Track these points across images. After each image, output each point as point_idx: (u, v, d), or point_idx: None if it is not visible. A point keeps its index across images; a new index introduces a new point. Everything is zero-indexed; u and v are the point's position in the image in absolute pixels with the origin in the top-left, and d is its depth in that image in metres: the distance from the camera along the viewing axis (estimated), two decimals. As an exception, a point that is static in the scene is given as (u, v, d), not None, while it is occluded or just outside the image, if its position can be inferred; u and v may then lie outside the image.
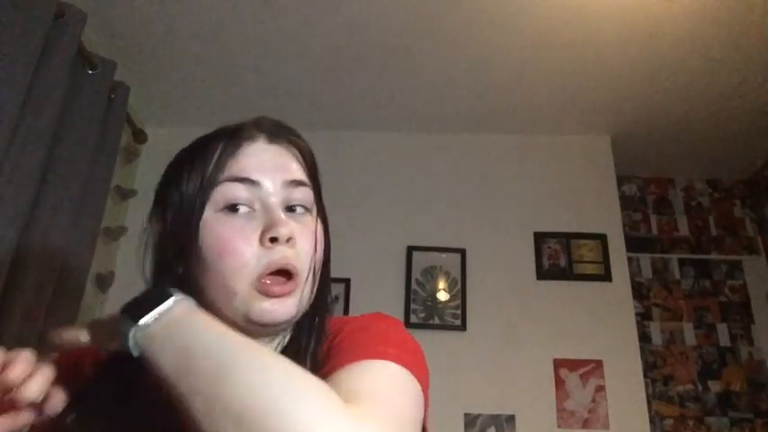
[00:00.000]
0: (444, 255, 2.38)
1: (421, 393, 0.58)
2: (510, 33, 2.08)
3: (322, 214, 0.70)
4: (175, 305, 0.54)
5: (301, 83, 2.36)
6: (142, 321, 0.52)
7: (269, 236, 0.61)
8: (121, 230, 2.32)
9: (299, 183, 0.66)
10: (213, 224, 0.63)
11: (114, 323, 0.54)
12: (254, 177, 0.64)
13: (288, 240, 0.62)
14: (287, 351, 0.67)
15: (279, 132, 0.69)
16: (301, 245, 0.64)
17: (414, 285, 2.34)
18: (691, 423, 2.47)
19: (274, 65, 2.27)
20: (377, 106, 2.49)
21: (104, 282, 2.19)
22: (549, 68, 2.24)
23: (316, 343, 0.66)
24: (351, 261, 2.33)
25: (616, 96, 2.37)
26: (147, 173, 2.48)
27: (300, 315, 0.65)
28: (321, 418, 0.44)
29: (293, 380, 0.47)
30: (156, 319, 0.52)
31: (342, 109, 2.51)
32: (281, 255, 0.62)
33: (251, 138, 0.67)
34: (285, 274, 0.62)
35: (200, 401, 0.46)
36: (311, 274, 0.64)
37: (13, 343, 1.52)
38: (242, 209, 0.63)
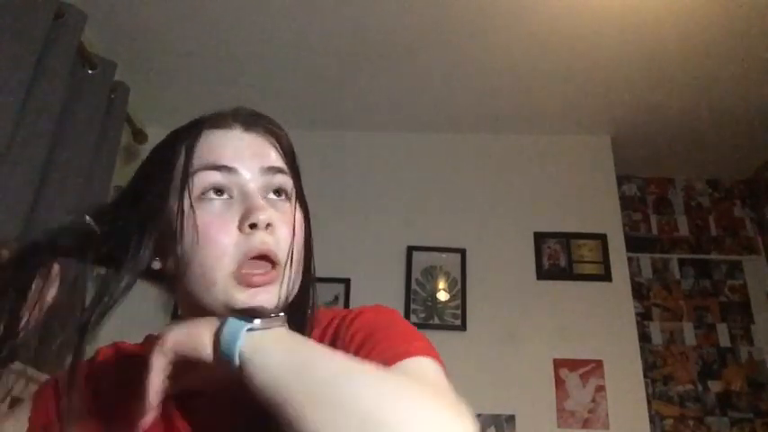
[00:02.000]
0: (444, 255, 2.38)
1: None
2: (510, 34, 2.08)
3: (302, 202, 0.68)
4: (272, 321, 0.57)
5: (301, 83, 2.36)
6: (255, 324, 0.55)
7: (248, 222, 0.60)
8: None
9: (277, 170, 0.65)
10: (190, 213, 0.61)
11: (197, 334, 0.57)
12: (230, 164, 0.63)
13: (267, 227, 0.61)
14: None
15: (256, 121, 0.68)
16: (281, 232, 0.62)
17: (414, 285, 2.34)
18: (691, 423, 2.47)
19: (274, 65, 2.27)
20: (377, 106, 2.49)
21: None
22: (549, 69, 2.24)
23: (302, 334, 0.64)
24: (351, 261, 2.33)
25: (616, 96, 2.37)
26: (147, 173, 2.48)
27: (284, 305, 0.63)
28: (438, 410, 0.48)
29: (400, 380, 0.52)
30: (265, 327, 0.55)
31: (342, 109, 2.51)
32: (260, 240, 0.60)
33: (227, 126, 0.66)
34: (265, 260, 0.61)
35: (315, 408, 0.48)
36: (291, 262, 0.62)
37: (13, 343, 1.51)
38: (219, 196, 0.62)
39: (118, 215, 0.65)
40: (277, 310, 0.61)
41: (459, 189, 2.51)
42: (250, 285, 0.59)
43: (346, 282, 2.31)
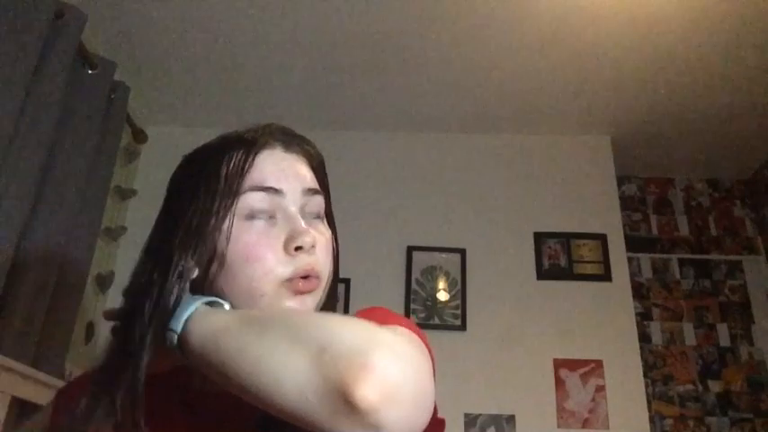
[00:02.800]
0: (444, 255, 2.38)
1: (428, 353, 0.62)
2: (510, 34, 2.08)
3: (332, 222, 0.73)
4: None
5: (301, 83, 2.36)
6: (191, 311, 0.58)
7: (294, 245, 0.63)
8: (121, 230, 2.32)
9: (315, 191, 0.69)
10: (237, 232, 0.64)
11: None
12: (276, 186, 0.66)
13: (311, 248, 0.64)
14: None
15: (293, 141, 0.71)
16: (320, 252, 0.66)
17: (414, 285, 2.34)
18: (691, 423, 2.47)
19: (274, 65, 2.27)
20: (377, 106, 2.49)
21: (104, 282, 2.19)
22: (549, 69, 2.24)
23: None
24: (351, 261, 2.31)
25: (616, 96, 2.38)
26: (147, 173, 2.48)
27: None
28: (370, 334, 0.49)
29: (343, 318, 0.54)
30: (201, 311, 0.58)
31: (342, 109, 2.51)
32: (305, 262, 0.64)
33: (268, 145, 0.69)
34: (308, 278, 0.65)
35: (257, 340, 0.51)
36: (327, 279, 0.68)
37: (14, 343, 1.51)
38: (263, 216, 0.65)
39: (162, 237, 0.67)
40: None
41: (459, 189, 2.51)
42: (298, 292, 0.64)
43: (346, 282, 2.31)
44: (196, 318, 0.57)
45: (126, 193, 2.38)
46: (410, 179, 2.52)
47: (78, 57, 1.87)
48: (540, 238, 2.41)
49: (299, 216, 0.66)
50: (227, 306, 0.60)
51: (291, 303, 0.64)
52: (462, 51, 2.17)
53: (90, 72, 1.95)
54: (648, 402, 2.21)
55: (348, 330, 0.49)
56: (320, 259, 0.66)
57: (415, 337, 0.59)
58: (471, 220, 2.44)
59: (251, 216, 0.65)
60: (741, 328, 2.62)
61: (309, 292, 0.65)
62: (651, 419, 2.17)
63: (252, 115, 2.54)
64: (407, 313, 2.28)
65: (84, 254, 1.89)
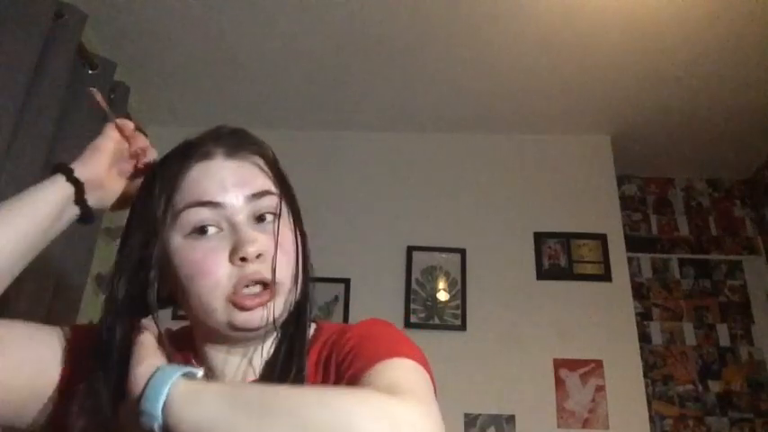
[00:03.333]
0: (444, 255, 2.38)
1: (431, 383, 0.62)
2: (510, 34, 2.08)
3: (295, 215, 0.71)
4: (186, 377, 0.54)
5: (301, 83, 2.36)
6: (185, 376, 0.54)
7: (238, 256, 0.63)
8: (121, 230, 2.31)
9: (262, 193, 0.67)
10: (183, 250, 0.65)
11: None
12: (216, 199, 0.65)
13: (258, 257, 0.64)
14: (281, 347, 0.69)
15: (237, 144, 0.70)
16: (270, 255, 0.65)
17: (414, 285, 2.34)
18: (691, 423, 2.47)
19: (274, 65, 2.27)
20: (377, 106, 2.49)
21: (104, 282, 2.19)
22: (549, 69, 2.24)
23: (300, 341, 0.68)
24: (351, 261, 2.33)
25: (616, 96, 2.37)
26: (147, 173, 2.48)
27: (287, 314, 0.67)
28: (378, 407, 0.48)
29: (340, 393, 0.53)
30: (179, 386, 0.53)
31: (342, 109, 2.51)
32: (251, 270, 0.63)
33: (208, 155, 0.68)
34: (259, 284, 0.64)
35: (249, 421, 0.49)
36: (288, 280, 0.66)
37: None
38: (210, 230, 0.65)
39: (123, 257, 0.69)
40: (270, 326, 0.65)
41: (460, 189, 2.51)
42: (245, 309, 0.63)
43: (346, 282, 2.31)
44: (177, 401, 0.51)
45: (126, 193, 2.38)
46: (410, 179, 2.52)
47: (78, 57, 1.87)
48: (539, 238, 2.41)
49: (244, 225, 0.65)
50: (200, 373, 0.55)
51: (241, 318, 0.63)
52: (462, 51, 2.17)
53: (90, 72, 1.95)
54: (648, 402, 2.21)
55: (364, 418, 0.47)
56: (270, 266, 0.64)
57: (428, 386, 0.59)
58: (471, 220, 2.44)
59: (196, 233, 0.64)
60: (741, 328, 2.62)
61: (257, 306, 0.63)
62: (651, 419, 2.17)
63: (252, 115, 2.55)
64: (407, 313, 2.28)
65: (84, 254, 1.89)
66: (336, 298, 2.28)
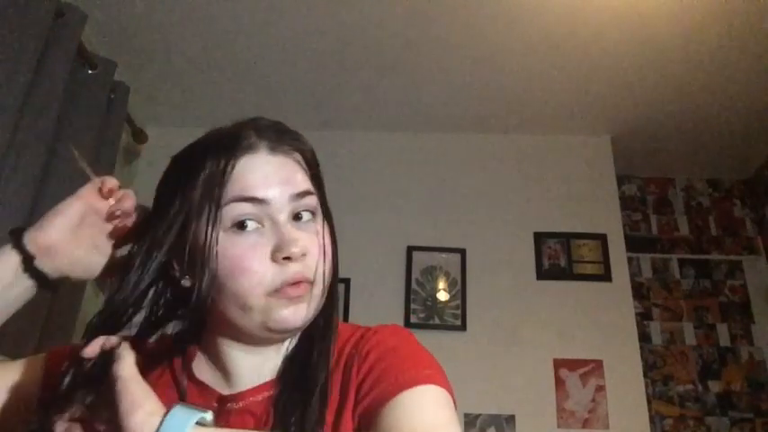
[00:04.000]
0: (444, 255, 2.38)
1: (455, 407, 0.63)
2: (510, 34, 2.08)
3: (327, 215, 0.70)
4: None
5: (301, 83, 2.36)
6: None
7: (282, 255, 0.62)
8: (121, 230, 2.31)
9: (304, 193, 0.66)
10: (224, 244, 0.62)
11: None
12: (260, 195, 0.63)
13: (301, 256, 0.63)
14: (299, 348, 0.68)
15: (280, 139, 0.68)
16: (312, 255, 0.64)
17: (414, 285, 2.34)
18: (691, 423, 2.46)
19: (274, 65, 2.27)
20: (377, 106, 2.49)
21: (104, 282, 2.19)
22: (549, 69, 2.24)
23: (328, 341, 0.68)
24: (351, 261, 2.31)
25: (616, 96, 2.37)
26: (147, 173, 2.48)
27: (314, 316, 0.67)
28: None
29: None
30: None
31: (342, 109, 2.51)
32: (294, 271, 0.62)
33: (252, 149, 0.66)
34: (298, 284, 0.64)
35: None
36: (323, 280, 0.65)
37: (13, 343, 1.50)
38: (251, 225, 0.63)
39: (151, 240, 0.65)
40: (304, 325, 0.64)
41: (459, 189, 2.51)
42: (288, 299, 0.62)
43: (346, 282, 2.30)
44: None
45: (126, 193, 2.38)
46: (410, 179, 2.52)
47: (78, 57, 1.87)
48: (539, 238, 2.41)
49: (287, 224, 0.64)
50: (209, 416, 0.49)
51: (285, 312, 0.62)
52: (462, 51, 2.17)
53: (90, 72, 1.95)
54: (648, 402, 2.21)
55: None
56: (312, 265, 0.64)
57: (446, 400, 0.61)
58: (471, 220, 2.44)
59: (237, 227, 0.63)
60: (741, 328, 2.62)
61: (300, 296, 0.63)
62: (651, 419, 2.17)
63: (252, 115, 2.54)
64: (407, 313, 2.28)
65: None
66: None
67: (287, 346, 0.69)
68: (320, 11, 2.01)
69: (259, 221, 0.64)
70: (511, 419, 2.11)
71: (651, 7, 1.95)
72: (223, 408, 0.66)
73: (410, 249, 2.39)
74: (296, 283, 0.63)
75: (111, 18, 2.03)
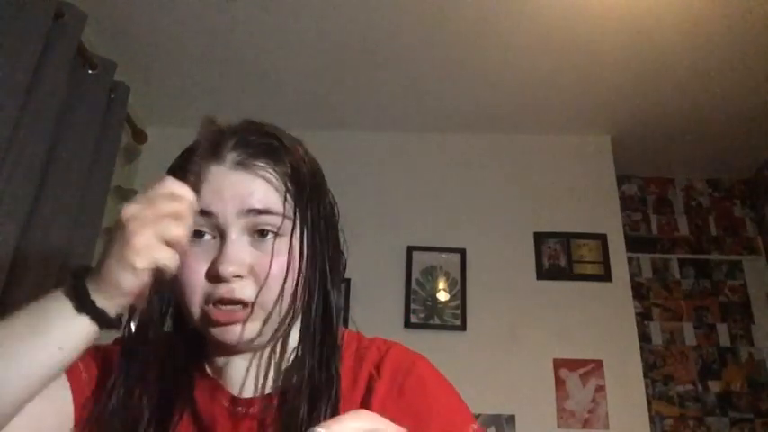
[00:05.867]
0: (444, 255, 2.38)
1: None
2: (510, 34, 2.08)
3: (314, 232, 0.69)
4: None
5: (301, 83, 2.36)
6: None
7: (212, 273, 0.62)
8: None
9: (259, 211, 0.64)
10: (185, 254, 0.62)
11: None
12: (206, 208, 0.63)
13: (236, 277, 0.62)
14: (294, 367, 0.67)
15: (254, 155, 0.67)
16: (261, 273, 0.63)
17: (414, 285, 2.34)
18: (691, 423, 2.46)
19: (274, 65, 2.27)
20: (377, 106, 2.49)
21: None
22: (549, 69, 2.24)
23: (328, 356, 0.66)
24: (351, 261, 2.31)
25: (616, 96, 2.37)
26: (147, 173, 2.48)
27: (270, 336, 0.66)
28: None
29: None
30: None
31: (342, 109, 2.51)
32: (225, 289, 0.62)
33: (218, 159, 0.66)
34: (236, 302, 0.63)
35: None
36: (271, 302, 0.64)
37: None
38: (206, 236, 0.64)
39: None
40: (254, 343, 0.65)
41: (459, 189, 2.51)
42: (213, 324, 0.63)
43: (346, 282, 2.30)
44: None
45: (126, 194, 2.38)
46: (410, 179, 2.52)
47: (78, 57, 1.87)
48: (539, 238, 2.41)
49: (232, 240, 0.63)
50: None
51: (215, 330, 0.63)
52: (462, 51, 2.17)
53: (90, 72, 1.95)
54: (648, 402, 2.20)
55: None
56: (250, 287, 0.63)
57: None
58: (471, 220, 2.44)
59: (194, 236, 0.63)
60: (741, 328, 2.62)
61: (227, 320, 0.63)
62: (651, 419, 2.17)
63: (252, 115, 2.54)
64: (407, 313, 2.28)
65: (84, 254, 1.89)
66: (336, 298, 2.28)
67: (287, 356, 0.68)
68: (320, 11, 2.01)
69: (213, 233, 0.64)
70: (511, 419, 2.11)
71: (651, 7, 1.95)
72: (234, 409, 0.66)
73: (410, 249, 2.39)
74: (229, 309, 0.62)
75: (111, 18, 2.03)
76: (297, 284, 0.65)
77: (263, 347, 0.68)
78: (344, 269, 0.75)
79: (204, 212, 0.63)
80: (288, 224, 0.66)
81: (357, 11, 2.00)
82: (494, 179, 2.52)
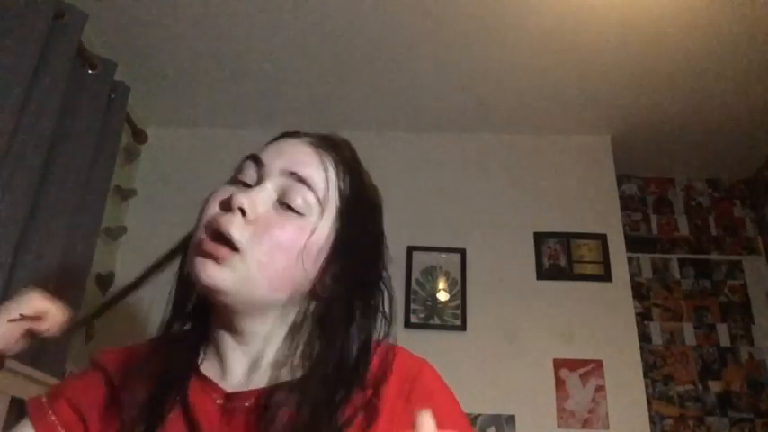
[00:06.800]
0: (444, 255, 2.38)
1: None
2: (510, 34, 2.08)
3: (341, 238, 0.67)
4: None
5: (302, 83, 2.36)
6: None
7: (225, 201, 0.64)
8: (121, 230, 2.32)
9: (299, 178, 0.65)
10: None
11: None
12: (262, 158, 0.67)
13: (240, 210, 0.62)
14: (282, 363, 0.66)
15: (322, 138, 0.71)
16: (264, 227, 0.63)
17: (414, 285, 2.34)
18: (691, 423, 2.46)
19: (274, 65, 2.27)
20: (377, 106, 2.49)
21: (104, 282, 2.19)
22: (549, 69, 2.24)
23: (345, 359, 0.65)
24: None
25: (616, 96, 2.37)
26: (147, 173, 2.48)
27: (244, 300, 0.64)
28: None
29: None
30: None
31: (342, 109, 2.51)
32: (224, 218, 0.62)
33: (293, 136, 0.71)
34: (226, 242, 0.62)
35: None
36: (259, 257, 0.62)
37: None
38: (241, 178, 0.67)
39: None
40: (221, 296, 0.63)
41: (460, 189, 2.51)
42: (199, 253, 0.62)
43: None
44: None
45: (126, 193, 2.38)
46: (410, 179, 2.52)
47: (78, 57, 1.87)
48: (539, 238, 2.41)
49: (261, 185, 0.64)
50: None
51: (196, 260, 0.62)
52: (462, 51, 2.17)
53: (90, 72, 1.95)
54: (648, 402, 2.20)
55: None
56: (245, 232, 0.62)
57: None
58: (471, 220, 2.44)
59: (232, 180, 0.67)
60: (741, 328, 2.62)
61: (209, 253, 0.61)
62: (651, 419, 2.17)
63: (252, 115, 2.55)
64: (407, 313, 2.28)
65: (84, 254, 1.89)
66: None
67: (276, 349, 0.68)
68: (320, 11, 2.01)
69: (252, 179, 0.66)
70: (511, 419, 2.11)
71: (651, 7, 1.95)
72: (226, 404, 0.65)
73: (410, 249, 2.39)
74: (218, 239, 0.61)
75: (111, 18, 2.03)
76: (293, 270, 0.64)
77: (275, 335, 0.68)
78: (377, 305, 0.71)
79: (257, 161, 0.66)
80: (317, 210, 0.65)
81: (357, 11, 2.00)
82: (494, 179, 2.52)
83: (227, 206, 0.63)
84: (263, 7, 2.00)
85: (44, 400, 0.71)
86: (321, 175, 0.67)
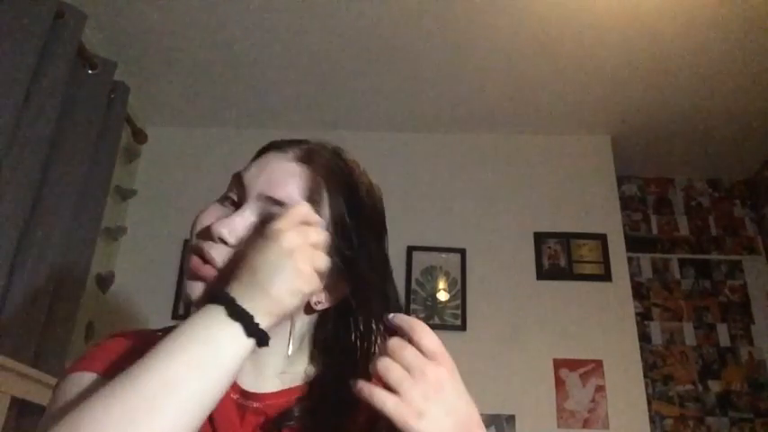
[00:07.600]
0: (444, 255, 2.38)
1: None
2: (510, 34, 2.08)
3: (340, 240, 0.67)
4: None
5: (301, 83, 2.36)
6: None
7: (207, 228, 0.65)
8: (121, 230, 2.32)
9: (276, 201, 0.65)
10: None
11: None
12: (244, 178, 0.68)
13: (220, 240, 0.63)
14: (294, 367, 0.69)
15: (308, 152, 0.70)
16: (233, 249, 0.64)
17: (414, 285, 2.34)
18: (691, 423, 2.46)
19: (274, 65, 2.27)
20: (377, 106, 2.49)
21: (104, 282, 2.19)
22: (549, 69, 2.24)
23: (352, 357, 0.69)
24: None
25: (616, 96, 2.37)
26: (147, 173, 2.48)
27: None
28: None
29: None
30: None
31: (342, 109, 2.51)
32: (204, 244, 0.64)
33: (280, 149, 0.71)
34: (207, 260, 0.64)
35: None
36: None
37: (13, 343, 1.51)
38: (228, 198, 0.69)
39: None
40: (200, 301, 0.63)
41: (459, 189, 2.51)
42: (189, 276, 0.65)
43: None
44: None
45: (126, 193, 2.38)
46: (410, 179, 2.52)
47: (78, 57, 1.87)
48: (539, 238, 2.41)
49: (241, 211, 0.65)
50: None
51: (187, 284, 0.65)
52: (462, 51, 2.17)
53: (90, 72, 1.95)
54: (648, 402, 2.20)
55: None
56: (225, 252, 0.63)
57: None
58: (471, 220, 2.44)
59: (223, 197, 0.69)
60: (741, 328, 2.62)
61: (195, 273, 0.64)
62: (651, 419, 2.17)
63: (252, 115, 2.55)
64: (407, 313, 2.27)
65: (84, 254, 1.89)
66: (336, 298, 2.28)
67: (278, 356, 0.68)
68: (320, 11, 2.01)
69: (237, 200, 0.68)
70: (511, 419, 2.11)
71: (651, 8, 1.95)
72: (242, 401, 0.67)
73: (410, 249, 2.39)
74: (203, 261, 0.63)
75: (111, 18, 2.03)
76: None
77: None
78: (379, 314, 0.72)
79: (239, 179, 0.68)
80: None
81: (357, 11, 2.00)
82: (494, 179, 2.52)
83: (207, 235, 0.64)
84: (262, 8, 2.00)
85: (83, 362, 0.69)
86: (303, 192, 0.66)
